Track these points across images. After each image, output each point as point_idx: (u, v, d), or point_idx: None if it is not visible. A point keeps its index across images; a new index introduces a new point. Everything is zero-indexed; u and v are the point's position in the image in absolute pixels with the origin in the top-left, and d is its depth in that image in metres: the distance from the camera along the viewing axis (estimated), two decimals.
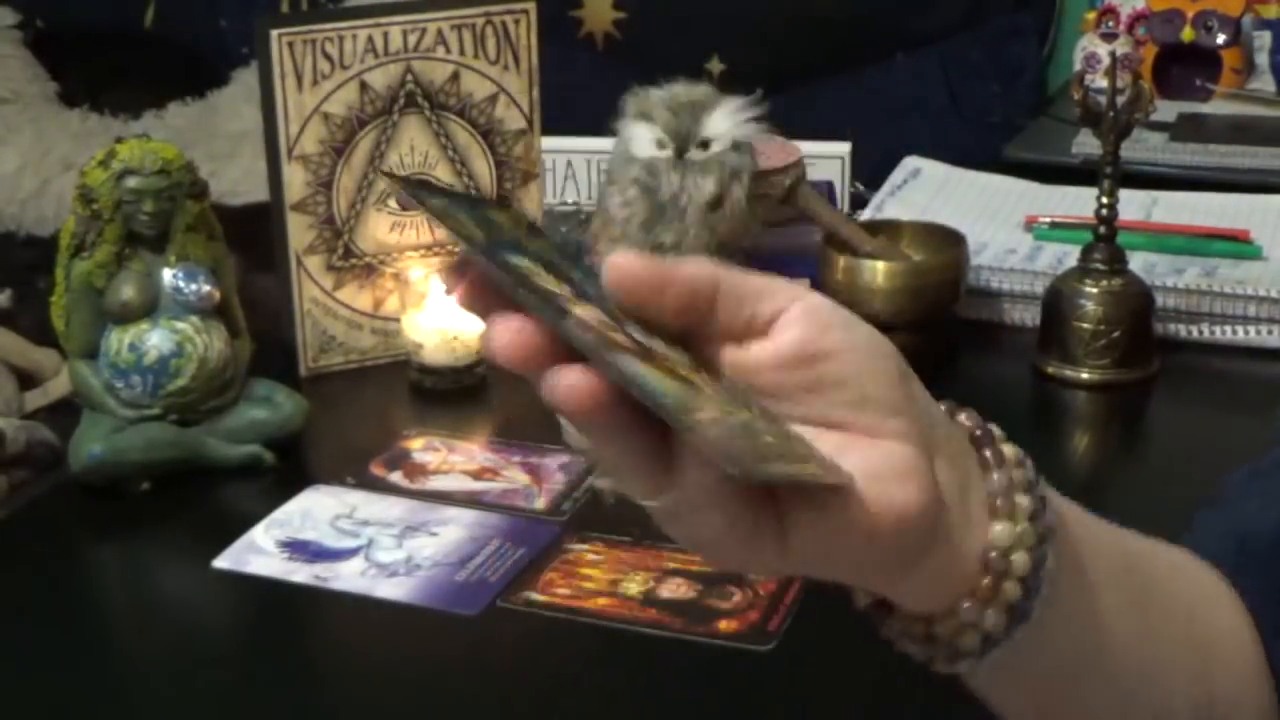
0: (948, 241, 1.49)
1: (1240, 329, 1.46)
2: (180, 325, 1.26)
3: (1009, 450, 0.61)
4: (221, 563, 1.15)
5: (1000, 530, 0.60)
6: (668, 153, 1.42)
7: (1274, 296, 1.45)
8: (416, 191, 0.57)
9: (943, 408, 0.62)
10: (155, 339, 1.26)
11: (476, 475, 1.27)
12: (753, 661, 1.03)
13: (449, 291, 0.55)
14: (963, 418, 0.62)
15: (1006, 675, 0.64)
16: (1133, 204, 1.57)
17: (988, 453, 0.61)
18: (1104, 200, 1.38)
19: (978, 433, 0.61)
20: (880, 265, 1.44)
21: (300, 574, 1.14)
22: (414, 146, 1.45)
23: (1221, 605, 0.74)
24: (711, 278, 0.55)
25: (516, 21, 1.45)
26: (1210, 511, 0.79)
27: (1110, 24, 2.16)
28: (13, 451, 1.68)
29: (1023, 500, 0.60)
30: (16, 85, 2.75)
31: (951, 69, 2.43)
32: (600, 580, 1.11)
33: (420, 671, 1.06)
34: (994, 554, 0.60)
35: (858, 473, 0.55)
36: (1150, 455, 1.40)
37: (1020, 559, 0.60)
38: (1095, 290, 1.40)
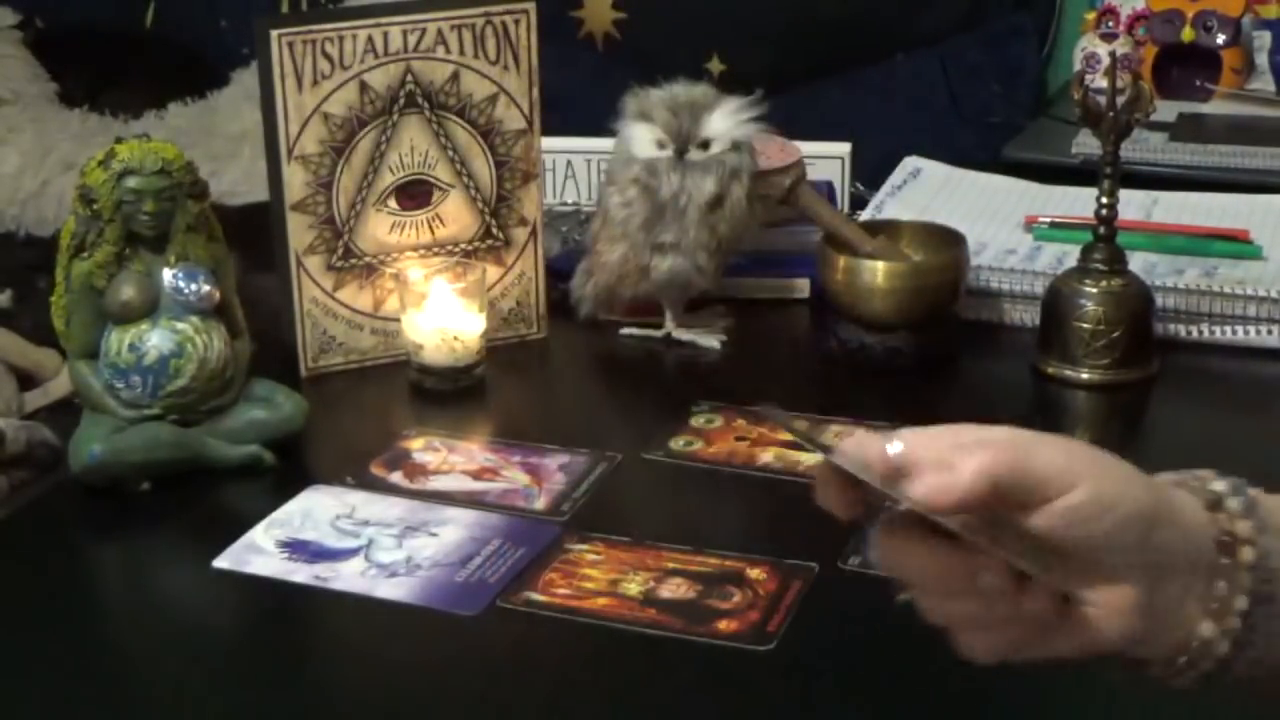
0: (948, 241, 1.49)
1: (1240, 329, 1.46)
2: (180, 325, 1.26)
3: (1246, 554, 0.72)
4: (221, 563, 1.15)
5: (1206, 627, 0.71)
6: (668, 153, 1.42)
7: (1274, 296, 1.45)
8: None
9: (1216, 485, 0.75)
10: (155, 339, 1.26)
11: (476, 475, 1.27)
12: (753, 661, 1.03)
13: (825, 502, 0.72)
14: (1222, 518, 0.74)
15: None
16: (1133, 204, 1.57)
17: (1224, 560, 0.72)
18: (1104, 200, 1.38)
19: (1224, 539, 0.72)
20: (880, 265, 1.44)
21: (300, 574, 1.14)
22: (414, 146, 1.45)
23: None
24: (993, 481, 0.69)
25: (516, 21, 1.45)
26: None
27: (1110, 24, 2.16)
28: (13, 451, 1.68)
29: (1240, 602, 0.71)
30: (16, 85, 2.75)
31: (951, 69, 2.44)
32: (600, 580, 1.11)
33: (420, 671, 1.06)
34: (1195, 643, 0.72)
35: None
36: (1150, 455, 1.38)
37: (1222, 645, 0.72)
38: (1095, 290, 1.40)
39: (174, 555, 1.22)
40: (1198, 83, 2.14)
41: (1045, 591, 0.70)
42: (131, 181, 1.24)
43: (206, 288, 1.27)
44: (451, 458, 1.29)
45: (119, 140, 1.27)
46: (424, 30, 1.42)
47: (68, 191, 1.61)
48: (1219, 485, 0.74)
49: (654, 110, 1.42)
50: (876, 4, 2.49)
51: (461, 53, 1.44)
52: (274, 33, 1.38)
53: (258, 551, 1.16)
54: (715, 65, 2.50)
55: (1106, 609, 0.71)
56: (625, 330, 1.51)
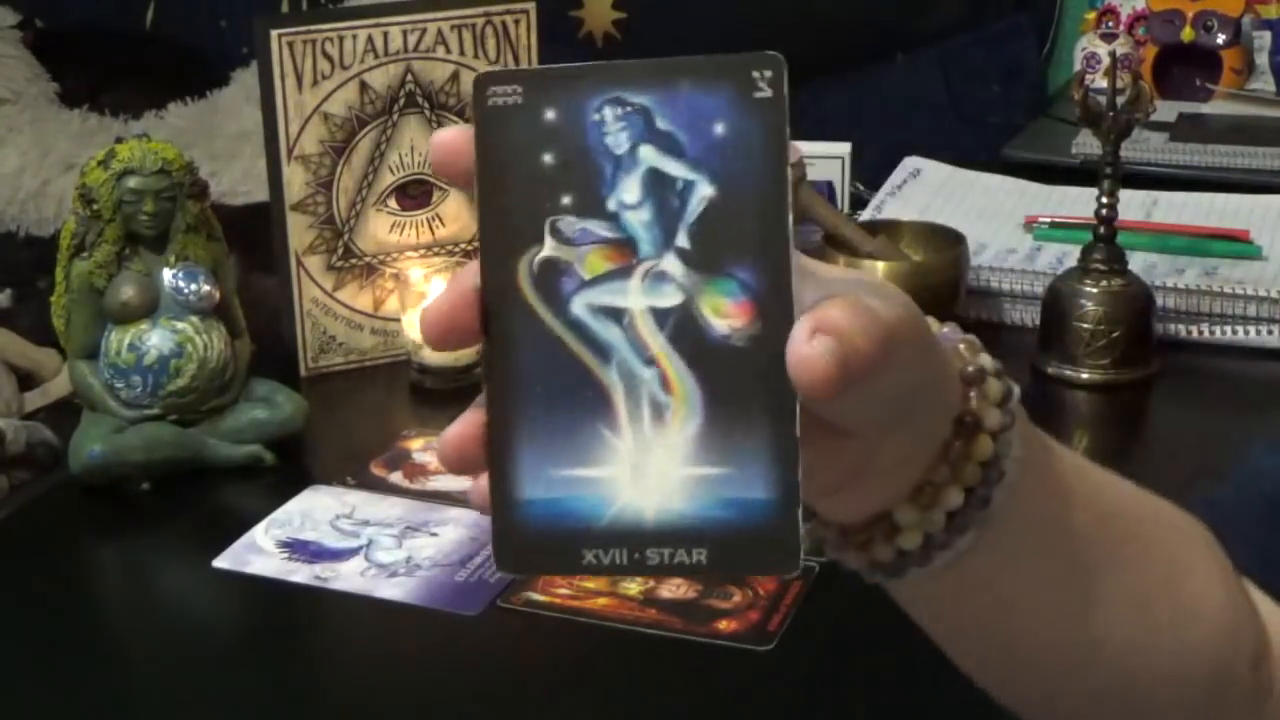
0: (948, 241, 1.49)
1: (1240, 329, 1.46)
2: (180, 325, 1.26)
3: (982, 448, 0.59)
4: (221, 563, 1.15)
5: (906, 512, 0.59)
6: None
7: (1274, 296, 1.45)
8: None
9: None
10: (155, 339, 1.26)
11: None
12: (753, 661, 1.03)
13: None
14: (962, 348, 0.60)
15: (952, 581, 0.62)
16: (1133, 204, 1.57)
17: (956, 443, 0.59)
18: (1104, 200, 1.38)
19: (967, 419, 0.59)
20: (880, 265, 1.44)
21: (300, 574, 1.14)
22: (414, 146, 1.45)
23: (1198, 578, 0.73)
24: None
25: (516, 21, 1.45)
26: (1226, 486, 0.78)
27: (1110, 24, 2.16)
28: (13, 451, 1.68)
29: (953, 497, 0.59)
30: (16, 85, 2.75)
31: (951, 69, 2.43)
32: (600, 580, 1.11)
33: (420, 671, 1.06)
34: (884, 524, 0.59)
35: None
36: (1150, 455, 1.40)
37: (913, 538, 0.59)
38: (1095, 290, 1.40)
39: (174, 555, 1.22)
40: (1198, 83, 2.14)
41: None
42: (131, 181, 1.24)
43: (206, 288, 1.27)
44: None
45: (119, 140, 1.27)
46: (424, 30, 1.42)
47: (68, 191, 1.61)
48: (987, 362, 0.60)
49: None
50: (876, 4, 2.49)
51: (461, 53, 1.44)
52: (274, 33, 1.38)
53: (258, 551, 1.16)
54: None
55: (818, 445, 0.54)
56: None
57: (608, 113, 0.50)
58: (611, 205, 0.50)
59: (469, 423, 0.52)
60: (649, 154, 0.50)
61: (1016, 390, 0.60)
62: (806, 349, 0.49)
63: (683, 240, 0.50)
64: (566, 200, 0.50)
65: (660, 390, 0.50)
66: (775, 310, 0.50)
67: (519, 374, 0.51)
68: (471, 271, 0.52)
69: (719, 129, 0.50)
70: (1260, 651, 0.72)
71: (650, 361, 0.50)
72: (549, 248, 0.50)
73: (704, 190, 0.50)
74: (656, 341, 0.50)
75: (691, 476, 0.50)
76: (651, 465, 0.50)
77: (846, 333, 0.50)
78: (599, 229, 0.50)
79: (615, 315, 0.50)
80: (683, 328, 0.50)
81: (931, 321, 0.59)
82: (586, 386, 0.50)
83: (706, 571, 0.50)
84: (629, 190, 0.50)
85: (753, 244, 0.50)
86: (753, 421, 0.50)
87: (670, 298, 0.50)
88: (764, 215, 0.50)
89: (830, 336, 0.49)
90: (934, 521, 0.59)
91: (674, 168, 0.50)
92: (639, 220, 0.50)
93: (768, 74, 0.50)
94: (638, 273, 0.50)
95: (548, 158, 0.50)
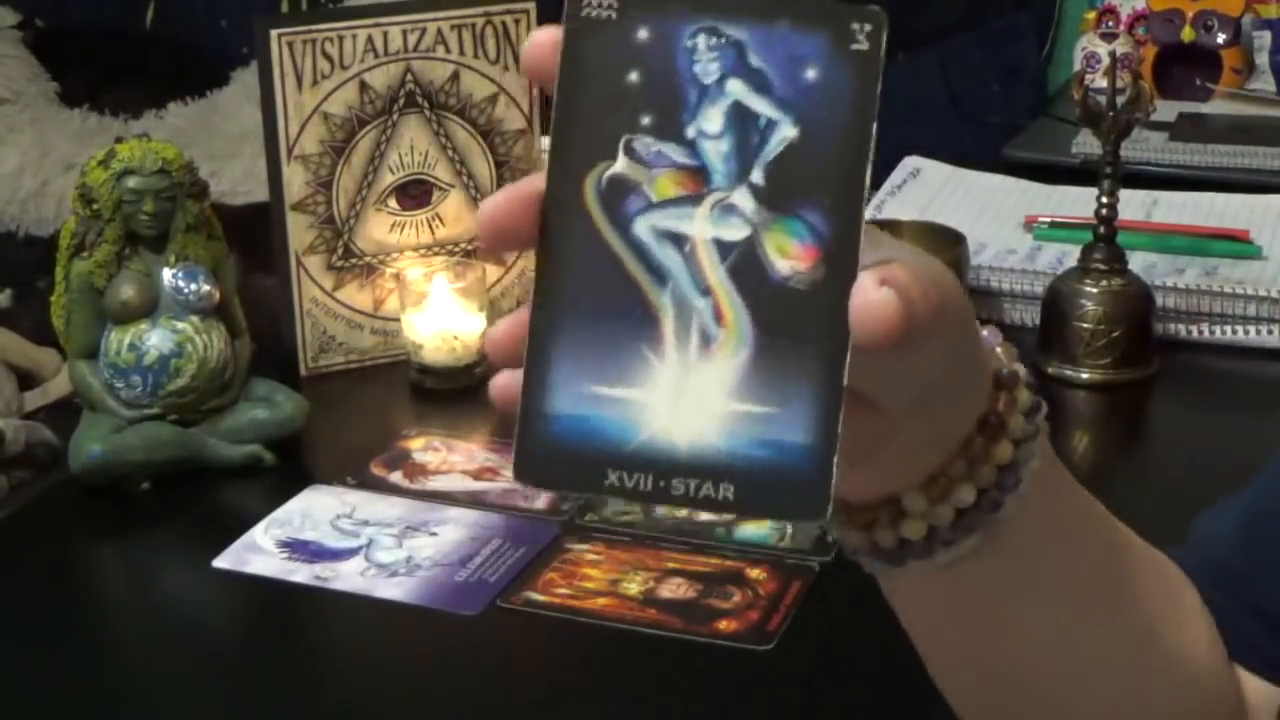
0: (948, 241, 1.49)
1: (1240, 329, 1.46)
2: (180, 325, 1.26)
3: (1002, 452, 0.59)
4: (221, 563, 1.15)
5: (914, 499, 0.58)
6: None
7: (1274, 296, 1.45)
8: None
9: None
10: (155, 339, 1.26)
11: (476, 475, 1.27)
12: (753, 661, 1.03)
13: None
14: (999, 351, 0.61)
15: (949, 588, 0.62)
16: (1133, 204, 1.57)
17: (978, 440, 0.59)
18: (1104, 200, 1.38)
19: (991, 420, 0.59)
20: None
21: (300, 574, 1.14)
22: (414, 146, 1.45)
23: (1187, 620, 0.73)
24: None
25: (516, 21, 1.45)
26: (1180, 549, 0.77)
27: (1110, 24, 2.16)
28: (13, 451, 1.68)
29: (965, 494, 0.59)
30: (16, 85, 2.75)
31: (951, 69, 2.43)
32: (600, 580, 1.11)
33: (420, 671, 1.06)
34: (891, 508, 0.59)
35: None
36: (1150, 455, 1.40)
37: (917, 527, 0.59)
38: (1095, 290, 1.39)
39: (174, 555, 1.22)
40: (1198, 83, 2.14)
41: None
42: (131, 181, 1.24)
43: (206, 287, 1.26)
44: (451, 458, 1.29)
45: (119, 140, 1.27)
46: (424, 30, 1.42)
47: (68, 191, 1.61)
48: (1022, 371, 0.61)
49: None
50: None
51: (461, 53, 1.44)
52: (274, 33, 1.38)
53: (258, 551, 1.16)
54: None
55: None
56: None
57: (701, 40, 0.50)
58: (690, 132, 0.50)
59: (520, 320, 0.51)
60: (736, 87, 0.50)
61: (1045, 406, 0.61)
62: (876, 294, 0.49)
63: (757, 177, 0.50)
64: (646, 121, 0.50)
65: (712, 321, 0.49)
66: (839, 259, 0.49)
67: (569, 286, 0.50)
68: (536, 177, 0.51)
69: (811, 74, 0.49)
70: (1238, 712, 0.73)
71: (706, 291, 0.49)
72: (621, 165, 0.50)
73: (786, 131, 0.50)
74: (715, 273, 0.49)
75: (731, 411, 0.49)
76: (691, 394, 0.49)
77: (911, 291, 0.49)
78: (674, 154, 0.50)
79: (677, 241, 0.50)
80: (744, 263, 0.49)
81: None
82: (636, 307, 0.49)
83: (732, 509, 0.49)
84: (710, 120, 0.50)
85: (827, 191, 0.49)
86: (801, 365, 0.49)
87: (736, 231, 0.49)
88: (842, 165, 0.50)
89: (895, 290, 0.49)
90: (941, 515, 0.58)
91: (759, 105, 0.50)
92: (716, 151, 0.50)
93: (868, 28, 0.50)
94: (707, 202, 0.50)
95: (633, 76, 0.50)
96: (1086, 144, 1.84)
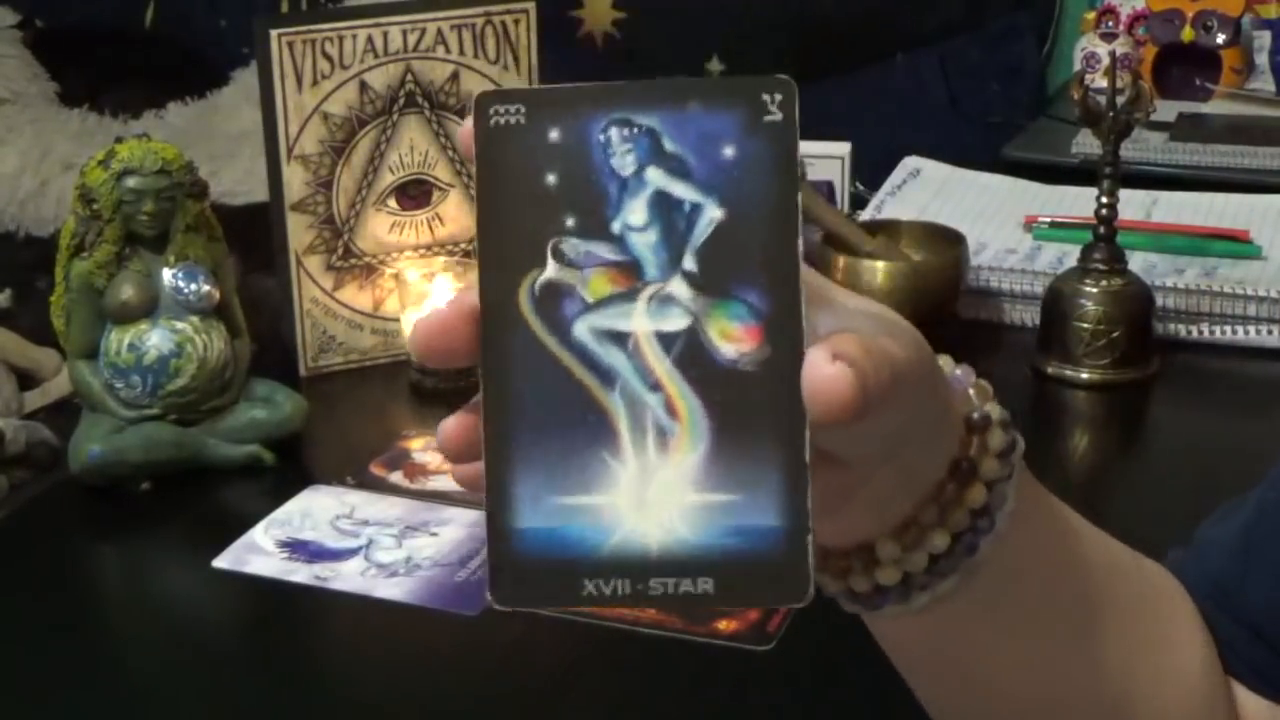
0: (948, 241, 1.49)
1: (1240, 329, 1.46)
2: (180, 325, 1.26)
3: (975, 496, 0.59)
4: (221, 563, 1.15)
5: (887, 547, 0.58)
6: None
7: (1274, 296, 1.45)
8: None
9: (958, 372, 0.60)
10: (155, 339, 1.26)
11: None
12: (753, 661, 1.03)
13: None
14: (971, 393, 0.60)
15: (935, 623, 0.62)
16: (1133, 204, 1.57)
17: (950, 486, 0.58)
18: (1104, 200, 1.38)
19: (964, 464, 0.59)
20: (880, 265, 1.44)
21: (300, 574, 1.14)
22: (414, 146, 1.45)
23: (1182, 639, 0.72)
24: None
25: (516, 21, 1.45)
26: (1183, 552, 0.77)
27: (1110, 24, 2.16)
28: (13, 451, 1.68)
29: (938, 541, 0.58)
30: (16, 85, 2.75)
31: (951, 69, 2.43)
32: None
33: (420, 671, 1.06)
34: (863, 555, 0.58)
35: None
36: (1150, 455, 1.40)
37: (891, 573, 0.58)
38: (1095, 290, 1.39)
39: (174, 555, 1.22)
40: (1198, 83, 2.14)
41: None
42: (131, 181, 1.24)
43: (206, 288, 1.27)
44: None
45: (119, 140, 1.27)
46: (424, 30, 1.42)
47: (67, 191, 1.61)
48: (995, 411, 0.59)
49: None
50: (876, 4, 2.49)
51: (461, 53, 1.44)
52: (274, 33, 1.38)
53: (258, 551, 1.16)
54: (715, 65, 2.50)
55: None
56: None
57: (614, 133, 0.49)
58: (616, 227, 0.49)
59: (470, 416, 0.50)
60: (656, 176, 0.49)
61: (1021, 445, 0.60)
62: (829, 369, 0.48)
63: (690, 263, 0.49)
64: (570, 222, 0.49)
65: (665, 415, 0.49)
66: (785, 334, 0.49)
67: (517, 398, 0.49)
68: (469, 292, 0.50)
69: (728, 151, 0.49)
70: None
71: (655, 386, 0.49)
72: (551, 270, 0.49)
73: (712, 213, 0.49)
74: (662, 366, 0.49)
75: (698, 503, 0.49)
76: (656, 492, 0.48)
77: (862, 363, 0.49)
78: (603, 251, 0.49)
79: (619, 339, 0.49)
80: (689, 352, 0.49)
81: (946, 361, 0.59)
82: (588, 411, 0.49)
83: (713, 602, 0.49)
84: (635, 212, 0.49)
85: (761, 267, 0.49)
86: (762, 447, 0.49)
87: (676, 321, 0.49)
88: (773, 239, 0.49)
89: (848, 363, 0.48)
90: (915, 562, 0.58)
91: (681, 190, 0.49)
92: (645, 242, 0.49)
93: (778, 97, 0.49)
94: (643, 296, 0.49)
95: (551, 178, 0.49)
96: (1086, 144, 1.84)
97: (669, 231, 0.49)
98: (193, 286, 1.26)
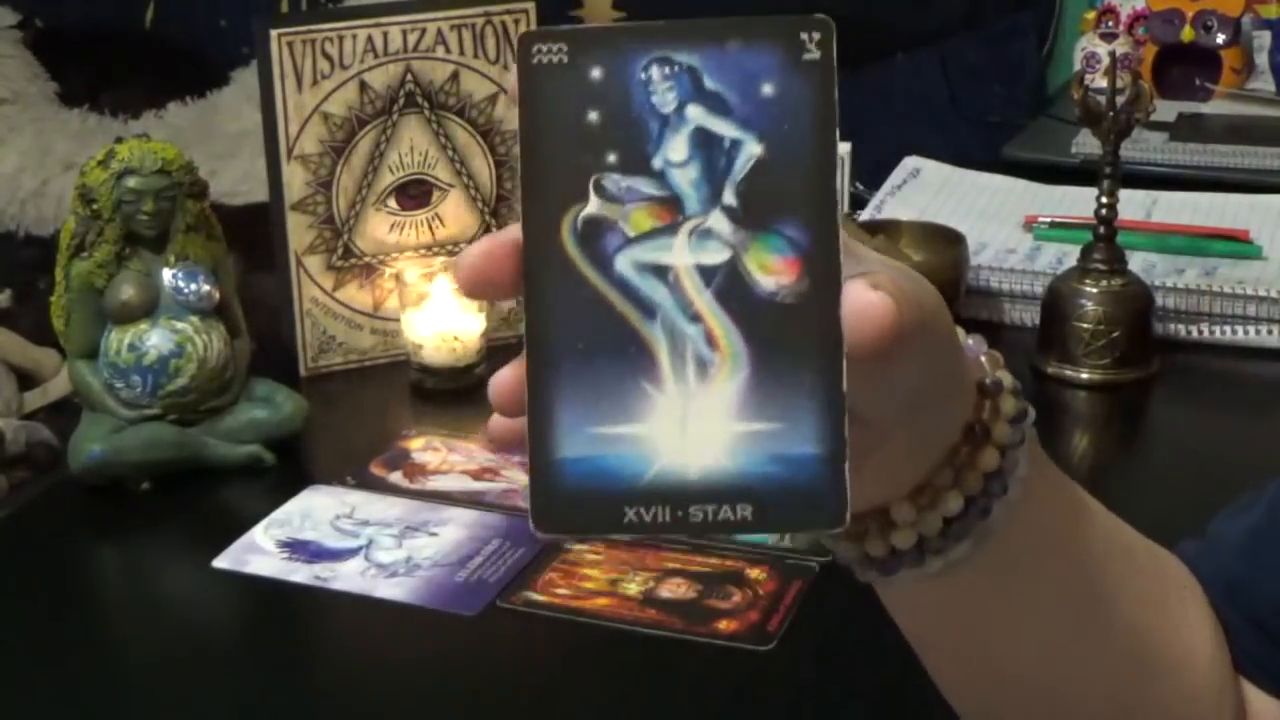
0: (947, 241, 1.49)
1: (1240, 329, 1.46)
2: (180, 325, 1.26)
3: (987, 459, 0.59)
4: (221, 563, 1.15)
5: (902, 510, 0.59)
6: None
7: (1274, 296, 1.45)
8: None
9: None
10: (155, 339, 1.26)
11: (476, 475, 1.27)
12: (753, 661, 1.03)
13: None
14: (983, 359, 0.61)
15: (949, 592, 0.62)
16: (1133, 204, 1.57)
17: (964, 448, 0.59)
18: (1104, 200, 1.38)
19: (976, 427, 0.59)
20: None
21: (300, 574, 1.14)
22: (414, 146, 1.45)
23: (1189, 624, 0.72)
24: None
25: (516, 21, 1.45)
26: (1196, 544, 0.77)
27: (1110, 24, 2.16)
28: (13, 451, 1.68)
29: (952, 503, 0.59)
30: (16, 85, 2.75)
31: (951, 69, 2.43)
32: (600, 580, 1.11)
33: (420, 671, 1.06)
34: (878, 517, 0.59)
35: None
36: (1150, 455, 1.40)
37: (907, 536, 0.59)
38: (1095, 290, 1.39)
39: (174, 555, 1.22)
40: (1198, 83, 2.14)
41: None
42: (131, 181, 1.24)
43: (206, 288, 1.27)
44: (451, 458, 1.29)
45: (119, 140, 1.27)
46: (424, 30, 1.42)
47: (67, 191, 1.61)
48: (1007, 378, 0.60)
49: None
50: (876, 4, 2.49)
51: (461, 52, 1.44)
52: (274, 33, 1.38)
53: (258, 551, 1.16)
54: None
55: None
56: None
57: (655, 72, 0.50)
58: (657, 163, 0.50)
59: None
60: (696, 113, 0.50)
61: (1032, 413, 0.60)
62: (871, 295, 0.49)
63: (729, 198, 0.50)
64: (612, 158, 0.50)
65: (705, 346, 0.49)
66: (823, 267, 0.50)
67: (559, 331, 0.50)
68: (513, 227, 0.51)
69: (767, 89, 0.50)
70: (1240, 715, 0.72)
71: (695, 318, 0.50)
72: (593, 205, 0.50)
73: (751, 149, 0.50)
74: (702, 298, 0.50)
75: (736, 432, 0.49)
76: (695, 421, 0.49)
77: (898, 296, 0.50)
78: (645, 186, 0.50)
79: (660, 272, 0.50)
80: (729, 285, 0.50)
81: (959, 331, 0.59)
82: (629, 343, 0.50)
83: (751, 527, 0.49)
84: (675, 148, 0.50)
85: (800, 202, 0.50)
86: (800, 377, 0.49)
87: (716, 255, 0.50)
88: (811, 174, 0.50)
89: (886, 292, 0.49)
90: (930, 524, 0.59)
91: (721, 127, 0.50)
92: (685, 178, 0.50)
93: (816, 36, 0.50)
94: (683, 230, 0.50)
95: (593, 116, 0.50)
96: (1086, 144, 1.84)
97: (709, 167, 0.50)
98: (193, 286, 1.26)
